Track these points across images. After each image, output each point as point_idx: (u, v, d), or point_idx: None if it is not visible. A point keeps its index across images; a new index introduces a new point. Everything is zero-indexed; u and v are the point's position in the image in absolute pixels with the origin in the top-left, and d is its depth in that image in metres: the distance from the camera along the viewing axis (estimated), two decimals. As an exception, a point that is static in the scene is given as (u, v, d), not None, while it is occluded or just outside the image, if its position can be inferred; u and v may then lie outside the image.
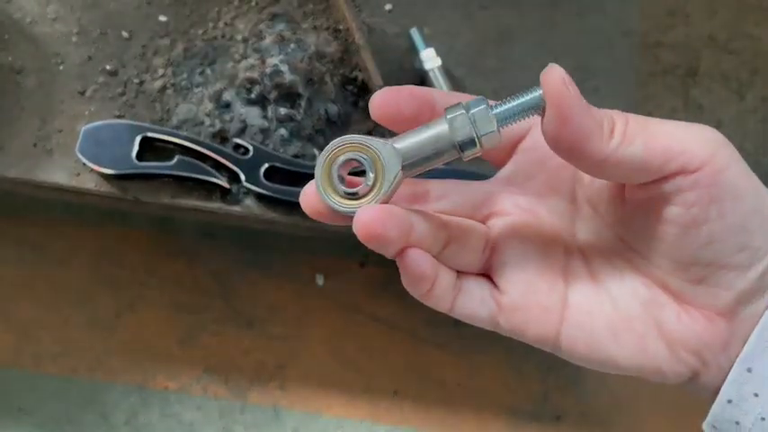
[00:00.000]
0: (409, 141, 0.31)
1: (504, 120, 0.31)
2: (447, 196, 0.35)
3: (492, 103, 0.32)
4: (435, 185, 0.36)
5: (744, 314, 0.31)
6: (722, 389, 0.31)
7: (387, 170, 0.31)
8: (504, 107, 0.31)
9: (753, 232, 0.30)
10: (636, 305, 0.32)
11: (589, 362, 0.33)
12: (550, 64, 0.30)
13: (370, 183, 0.31)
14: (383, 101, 0.32)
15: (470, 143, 0.31)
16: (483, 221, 0.35)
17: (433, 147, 0.31)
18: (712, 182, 0.29)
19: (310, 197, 0.32)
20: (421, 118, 0.32)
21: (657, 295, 0.32)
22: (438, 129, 0.31)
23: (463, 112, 0.31)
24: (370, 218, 0.30)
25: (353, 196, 0.31)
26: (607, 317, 0.33)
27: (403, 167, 0.31)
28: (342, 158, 0.32)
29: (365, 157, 0.31)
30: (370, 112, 0.33)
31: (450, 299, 0.32)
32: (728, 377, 0.31)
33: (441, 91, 0.34)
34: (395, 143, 0.32)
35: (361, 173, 0.32)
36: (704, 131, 0.30)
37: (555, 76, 0.29)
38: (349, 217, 0.31)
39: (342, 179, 0.32)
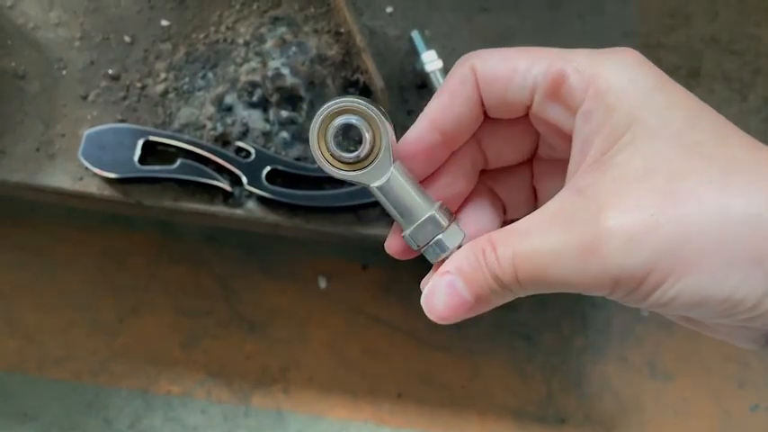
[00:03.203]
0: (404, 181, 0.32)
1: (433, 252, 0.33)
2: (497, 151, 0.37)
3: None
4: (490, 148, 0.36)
5: None
6: None
7: (382, 129, 0.31)
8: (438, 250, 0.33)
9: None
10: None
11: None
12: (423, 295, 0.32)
13: (368, 145, 0.31)
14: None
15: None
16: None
17: (402, 203, 0.33)
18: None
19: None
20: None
21: None
22: (421, 212, 0.32)
23: (436, 231, 0.32)
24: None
25: (355, 159, 0.31)
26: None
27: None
28: (337, 123, 0.31)
29: (358, 118, 0.31)
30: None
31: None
32: None
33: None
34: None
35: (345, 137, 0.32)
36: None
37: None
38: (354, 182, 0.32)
39: (339, 144, 0.31)
